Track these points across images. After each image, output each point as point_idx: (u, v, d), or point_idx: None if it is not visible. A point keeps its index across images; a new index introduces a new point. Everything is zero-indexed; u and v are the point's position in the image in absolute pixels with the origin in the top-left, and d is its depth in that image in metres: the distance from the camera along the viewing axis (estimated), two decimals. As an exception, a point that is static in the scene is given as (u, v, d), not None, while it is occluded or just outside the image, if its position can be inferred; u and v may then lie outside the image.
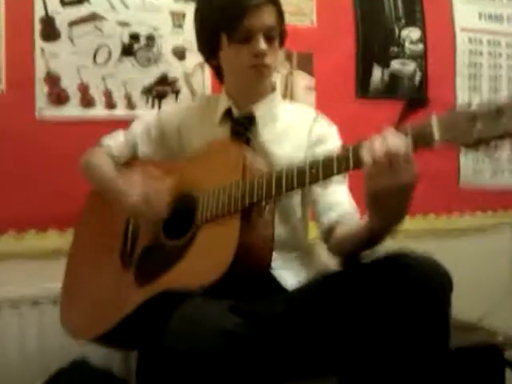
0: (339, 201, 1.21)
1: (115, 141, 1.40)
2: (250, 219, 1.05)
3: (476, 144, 0.85)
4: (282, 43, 1.29)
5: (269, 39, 1.20)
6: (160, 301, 1.07)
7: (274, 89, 1.34)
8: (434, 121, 0.88)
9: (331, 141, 1.29)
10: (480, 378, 1.34)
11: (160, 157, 1.36)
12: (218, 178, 1.13)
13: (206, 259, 1.06)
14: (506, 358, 1.47)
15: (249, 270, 1.04)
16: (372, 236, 1.02)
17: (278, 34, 1.23)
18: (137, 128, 1.40)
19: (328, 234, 1.20)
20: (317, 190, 1.22)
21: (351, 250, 1.09)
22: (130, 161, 1.38)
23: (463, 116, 0.86)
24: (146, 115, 1.52)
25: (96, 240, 1.33)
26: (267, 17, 1.19)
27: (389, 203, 0.91)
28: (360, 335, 0.97)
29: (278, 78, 1.81)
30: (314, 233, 1.30)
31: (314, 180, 1.00)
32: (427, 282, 0.94)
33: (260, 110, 1.28)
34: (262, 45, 1.18)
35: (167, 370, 0.89)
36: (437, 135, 0.87)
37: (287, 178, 1.02)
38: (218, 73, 1.33)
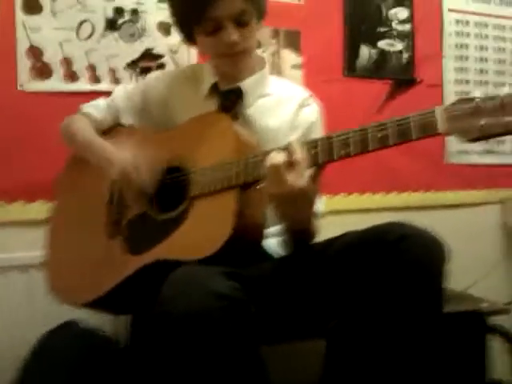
0: None
1: (96, 107, 1.35)
2: (246, 194, 1.05)
3: (478, 139, 0.86)
4: (261, 19, 1.23)
5: (241, 24, 1.16)
6: (156, 269, 1.05)
7: (263, 65, 1.32)
8: (439, 112, 0.87)
9: (311, 130, 1.29)
10: (463, 342, 1.37)
11: (144, 125, 1.32)
12: (211, 153, 1.11)
13: (203, 232, 1.05)
14: (489, 324, 1.49)
15: (244, 242, 1.04)
16: (292, 237, 1.09)
17: (252, 15, 1.18)
18: (119, 95, 1.36)
19: None
20: None
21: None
22: (113, 127, 1.34)
23: (467, 110, 0.85)
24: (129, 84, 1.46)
25: (78, 207, 1.30)
26: (231, 3, 1.14)
27: (284, 209, 0.99)
28: (352, 300, 0.97)
29: (265, 56, 1.79)
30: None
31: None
32: (423, 252, 0.94)
33: (248, 86, 1.26)
34: (233, 35, 1.15)
35: (163, 334, 0.88)
36: (441, 127, 0.87)
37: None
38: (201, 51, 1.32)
